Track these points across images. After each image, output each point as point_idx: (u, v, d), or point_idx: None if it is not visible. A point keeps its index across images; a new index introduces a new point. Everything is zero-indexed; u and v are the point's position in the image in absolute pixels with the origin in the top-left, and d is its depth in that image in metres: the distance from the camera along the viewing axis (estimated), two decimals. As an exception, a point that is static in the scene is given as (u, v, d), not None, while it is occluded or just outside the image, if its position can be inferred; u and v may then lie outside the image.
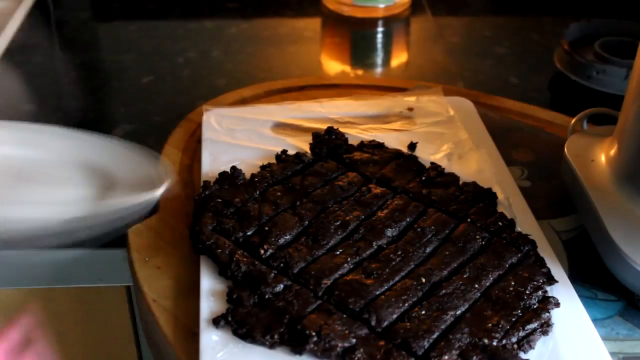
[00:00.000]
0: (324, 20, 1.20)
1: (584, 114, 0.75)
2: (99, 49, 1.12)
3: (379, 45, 1.15)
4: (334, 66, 1.07)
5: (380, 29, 1.17)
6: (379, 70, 1.07)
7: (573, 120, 0.75)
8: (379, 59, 1.10)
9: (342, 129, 0.78)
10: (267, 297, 0.56)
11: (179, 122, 0.84)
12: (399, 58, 1.11)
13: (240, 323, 0.54)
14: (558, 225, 0.68)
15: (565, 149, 0.71)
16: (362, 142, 0.76)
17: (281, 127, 0.81)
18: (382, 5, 1.16)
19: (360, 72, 1.05)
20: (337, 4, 1.18)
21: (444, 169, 0.72)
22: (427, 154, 0.76)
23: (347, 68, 1.06)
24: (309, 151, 0.75)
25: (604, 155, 0.68)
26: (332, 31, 1.19)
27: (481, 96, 0.90)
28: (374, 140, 0.76)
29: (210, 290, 0.58)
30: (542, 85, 0.99)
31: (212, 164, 0.73)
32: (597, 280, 0.62)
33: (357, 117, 0.83)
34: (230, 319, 0.54)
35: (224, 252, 0.60)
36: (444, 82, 0.95)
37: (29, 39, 1.09)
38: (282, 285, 0.57)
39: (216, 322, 0.54)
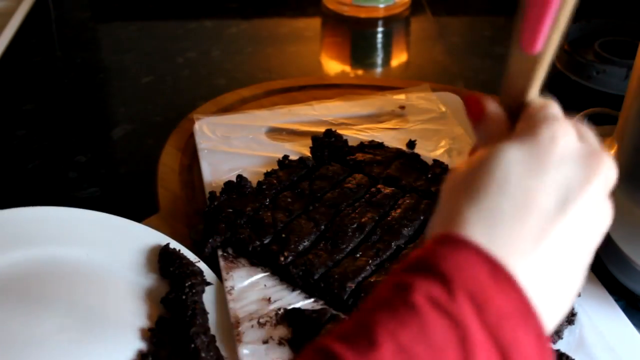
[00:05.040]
0: (324, 20, 1.20)
1: (584, 114, 0.75)
2: (99, 49, 1.12)
3: (379, 45, 1.15)
4: (334, 66, 1.07)
5: (380, 29, 1.17)
6: (379, 70, 1.07)
7: (573, 120, 0.75)
8: (379, 59, 1.10)
9: (338, 131, 0.78)
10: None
11: (179, 122, 0.84)
12: (399, 58, 1.11)
13: None
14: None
15: (565, 149, 0.70)
16: (362, 143, 0.76)
17: (276, 132, 0.81)
18: (382, 5, 1.16)
19: (360, 72, 1.05)
20: (337, 4, 1.18)
21: (447, 165, 0.72)
22: (426, 151, 0.76)
23: (347, 68, 1.06)
24: (308, 155, 0.75)
25: (604, 155, 0.68)
26: (332, 31, 1.19)
27: (481, 96, 0.90)
28: (373, 141, 0.76)
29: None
30: (542, 85, 0.98)
31: (213, 173, 0.73)
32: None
33: (351, 118, 0.83)
34: None
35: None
36: (444, 82, 0.95)
37: (29, 39, 1.09)
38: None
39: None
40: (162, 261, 0.60)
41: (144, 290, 0.58)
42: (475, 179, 0.33)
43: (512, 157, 0.34)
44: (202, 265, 0.60)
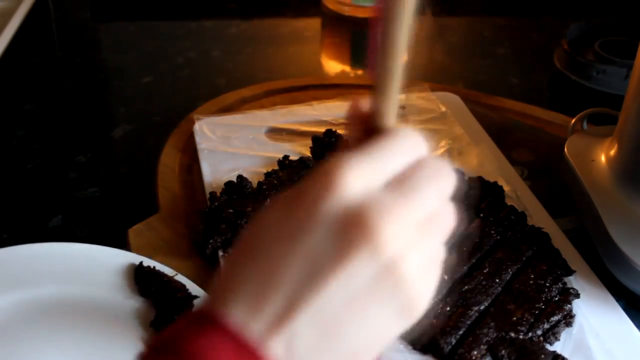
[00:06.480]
0: (324, 20, 1.20)
1: (584, 114, 0.75)
2: (99, 49, 1.12)
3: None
4: (334, 66, 1.07)
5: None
6: (379, 70, 1.07)
7: (573, 120, 0.75)
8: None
9: (338, 131, 0.77)
10: None
11: (179, 122, 0.84)
12: (399, 58, 1.10)
13: None
14: (558, 225, 0.68)
15: (565, 149, 0.71)
16: (362, 143, 0.76)
17: (275, 132, 0.81)
18: (382, 5, 1.16)
19: (360, 72, 1.05)
20: (337, 4, 1.18)
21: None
22: None
23: (347, 68, 1.06)
24: (309, 155, 0.75)
25: (604, 155, 0.68)
26: (332, 31, 1.19)
27: (481, 96, 0.90)
28: (373, 141, 0.76)
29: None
30: (542, 85, 0.98)
31: (214, 174, 0.73)
32: (597, 280, 0.62)
33: None
34: None
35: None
36: (444, 82, 0.95)
37: (29, 39, 1.09)
38: None
39: None
40: (140, 281, 0.57)
41: (133, 315, 0.55)
42: (252, 237, 0.30)
43: (272, 214, 0.30)
44: (180, 278, 0.58)
